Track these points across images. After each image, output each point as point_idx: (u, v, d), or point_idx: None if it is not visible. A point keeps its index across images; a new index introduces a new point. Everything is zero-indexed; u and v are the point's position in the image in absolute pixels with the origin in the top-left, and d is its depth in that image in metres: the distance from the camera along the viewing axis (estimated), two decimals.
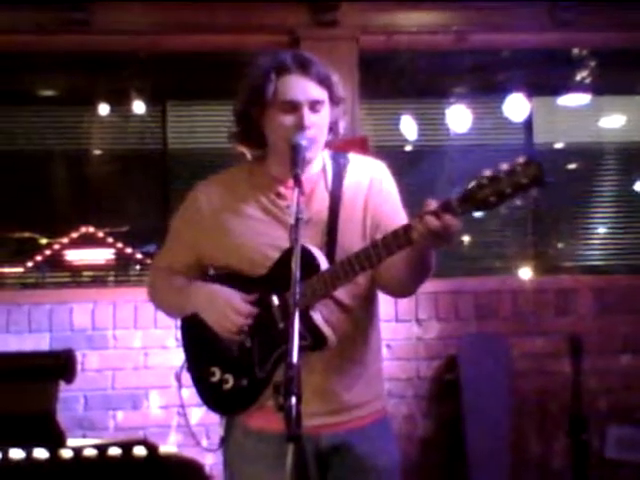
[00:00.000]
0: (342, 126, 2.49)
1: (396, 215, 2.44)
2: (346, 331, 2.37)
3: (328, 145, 2.49)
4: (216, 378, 2.44)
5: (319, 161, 2.47)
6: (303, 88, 2.35)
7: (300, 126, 2.33)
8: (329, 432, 2.37)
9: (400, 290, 2.45)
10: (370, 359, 2.47)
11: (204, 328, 2.43)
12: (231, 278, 2.43)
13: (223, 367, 2.43)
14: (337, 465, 2.40)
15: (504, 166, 1.99)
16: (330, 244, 2.36)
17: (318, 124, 2.37)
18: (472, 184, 2.02)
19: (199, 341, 2.47)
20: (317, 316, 2.30)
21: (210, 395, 2.49)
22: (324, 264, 2.29)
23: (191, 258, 2.52)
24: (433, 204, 2.07)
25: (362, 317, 2.45)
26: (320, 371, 2.35)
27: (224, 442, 2.52)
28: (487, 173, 2.00)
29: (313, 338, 2.28)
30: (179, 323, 2.60)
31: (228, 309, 2.35)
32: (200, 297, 2.44)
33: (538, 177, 1.96)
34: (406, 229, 2.13)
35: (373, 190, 2.45)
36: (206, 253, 2.49)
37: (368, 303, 2.47)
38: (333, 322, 2.33)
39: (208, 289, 2.43)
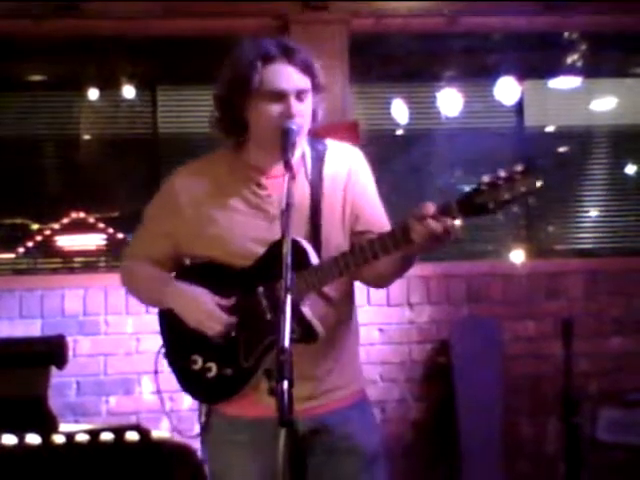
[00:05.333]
0: (321, 114, 2.47)
1: (374, 207, 2.47)
2: (330, 323, 2.37)
3: (309, 132, 2.47)
4: (198, 366, 2.43)
5: (299, 148, 2.45)
6: (289, 77, 2.33)
7: (288, 115, 2.32)
8: (306, 416, 2.34)
9: (379, 283, 2.49)
10: (349, 344, 2.49)
11: None
12: (210, 269, 2.41)
13: (205, 355, 2.42)
14: (315, 448, 2.40)
15: (502, 173, 2.02)
16: (314, 234, 2.36)
17: (304, 112, 2.36)
18: (471, 189, 2.05)
19: (179, 328, 2.44)
20: (307, 311, 2.29)
21: (191, 383, 2.48)
22: (314, 259, 2.28)
23: (169, 248, 2.49)
24: (432, 207, 2.08)
25: (344, 308, 2.47)
26: (300, 359, 2.34)
27: (204, 429, 2.52)
28: (486, 179, 2.03)
29: (302, 331, 2.27)
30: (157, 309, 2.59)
31: (208, 320, 2.35)
32: (179, 301, 2.41)
33: (536, 187, 2.00)
34: (404, 229, 2.13)
35: (352, 181, 2.45)
36: (184, 243, 2.47)
37: (348, 293, 2.49)
38: (318, 315, 2.32)
39: (187, 296, 2.40)
